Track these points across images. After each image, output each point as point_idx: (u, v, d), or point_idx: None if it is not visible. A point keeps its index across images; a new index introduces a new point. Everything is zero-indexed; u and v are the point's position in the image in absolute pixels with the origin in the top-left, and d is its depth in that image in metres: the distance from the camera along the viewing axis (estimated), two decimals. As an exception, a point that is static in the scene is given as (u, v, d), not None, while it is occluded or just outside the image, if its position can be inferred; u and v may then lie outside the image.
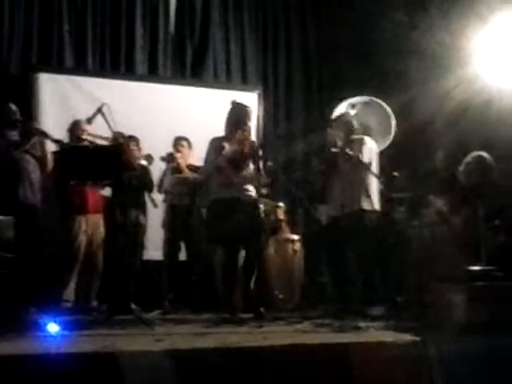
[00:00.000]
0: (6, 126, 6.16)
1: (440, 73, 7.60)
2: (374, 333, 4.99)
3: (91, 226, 6.73)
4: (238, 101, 6.23)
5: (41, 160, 6.21)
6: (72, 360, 3.85)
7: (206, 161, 6.17)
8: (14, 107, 6.28)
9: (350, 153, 6.21)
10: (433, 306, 5.30)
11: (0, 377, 3.82)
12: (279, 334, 4.96)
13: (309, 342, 4.50)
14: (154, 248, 7.29)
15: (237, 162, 6.01)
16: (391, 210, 7.53)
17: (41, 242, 6.11)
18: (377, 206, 6.49)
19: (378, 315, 6.04)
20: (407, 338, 4.53)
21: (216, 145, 6.09)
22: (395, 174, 6.58)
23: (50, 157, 6.16)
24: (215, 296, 7.04)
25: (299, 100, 9.15)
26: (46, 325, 4.93)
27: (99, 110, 5.94)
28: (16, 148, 6.11)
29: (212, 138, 6.21)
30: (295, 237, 7.25)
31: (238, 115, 6.17)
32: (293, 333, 5.07)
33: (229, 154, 5.99)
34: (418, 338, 4.46)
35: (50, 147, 6.30)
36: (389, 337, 4.63)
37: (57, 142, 6.03)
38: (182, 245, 7.33)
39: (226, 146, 6.02)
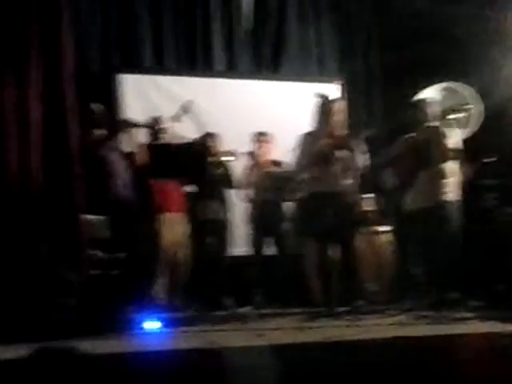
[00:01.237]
0: (92, 127, 6.23)
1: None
2: (478, 324, 4.85)
3: (175, 224, 6.71)
4: (322, 93, 6.12)
5: (130, 156, 6.27)
6: (175, 357, 3.84)
7: (298, 157, 6.09)
8: (96, 108, 6.32)
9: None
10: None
11: (104, 375, 3.83)
12: (379, 327, 4.86)
13: (410, 334, 4.39)
14: (241, 244, 7.26)
15: (329, 156, 5.91)
16: (479, 197, 7.36)
17: (136, 240, 6.14)
18: (459, 196, 6.37)
19: (476, 305, 5.89)
20: (512, 328, 4.39)
21: (307, 140, 6.01)
22: (485, 160, 6.40)
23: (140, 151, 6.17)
24: (305, 290, 7.00)
25: (379, 87, 8.98)
26: (143, 323, 4.95)
27: (184, 108, 5.94)
28: (103, 145, 6.17)
29: (303, 133, 6.13)
30: (384, 228, 7.11)
31: (324, 108, 6.06)
32: (392, 325, 4.97)
33: (319, 150, 5.90)
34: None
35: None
36: (494, 327, 4.49)
37: (149, 126, 6.07)
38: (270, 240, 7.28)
39: (316, 142, 5.94)
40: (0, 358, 3.73)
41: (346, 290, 6.08)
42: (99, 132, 6.24)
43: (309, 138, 6.04)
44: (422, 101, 6.41)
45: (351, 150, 6.00)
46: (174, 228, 6.71)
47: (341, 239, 5.96)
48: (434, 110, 6.30)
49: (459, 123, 6.43)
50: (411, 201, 6.24)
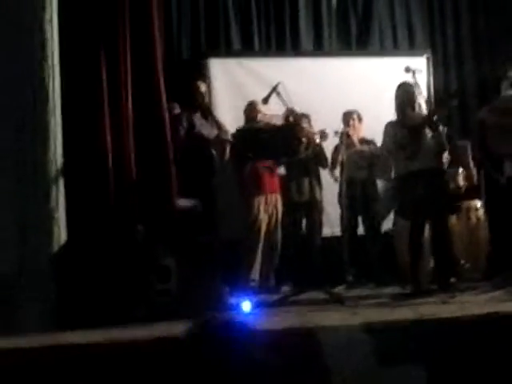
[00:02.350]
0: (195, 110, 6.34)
1: None
2: None
3: (270, 206, 6.78)
4: (412, 68, 6.05)
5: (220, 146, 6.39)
6: (272, 336, 3.91)
7: (384, 142, 6.12)
8: (203, 88, 6.47)
9: None
10: None
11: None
12: (474, 304, 4.83)
13: (506, 310, 4.35)
14: (332, 224, 7.28)
15: (416, 134, 5.87)
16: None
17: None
18: None
19: None
20: None
21: (390, 131, 6.02)
22: None
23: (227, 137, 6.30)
24: (397, 269, 6.98)
25: (469, 60, 8.79)
26: (240, 304, 5.06)
27: (274, 89, 6.00)
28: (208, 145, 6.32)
29: (386, 123, 6.11)
30: (478, 204, 7.00)
31: (404, 96, 6.03)
32: (488, 302, 4.92)
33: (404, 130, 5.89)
34: None
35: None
36: None
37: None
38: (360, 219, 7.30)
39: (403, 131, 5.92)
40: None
41: (439, 267, 6.04)
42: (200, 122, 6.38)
43: (390, 129, 6.03)
44: None
45: (436, 126, 5.92)
46: (270, 210, 6.77)
47: (436, 217, 5.91)
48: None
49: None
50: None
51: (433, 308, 4.65)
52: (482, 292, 5.58)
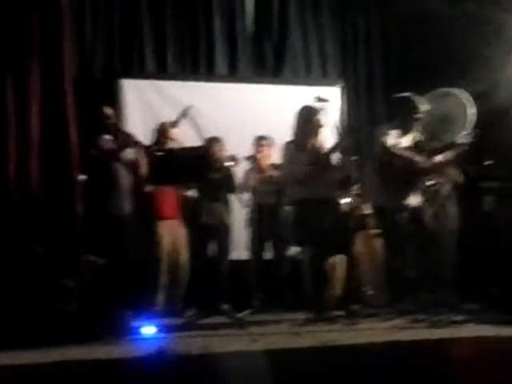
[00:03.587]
0: (101, 133, 6.26)
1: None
2: (474, 327, 4.88)
3: (173, 230, 6.75)
4: (322, 97, 6.14)
5: (133, 166, 6.31)
6: (170, 362, 3.88)
7: (284, 166, 6.18)
8: (109, 111, 6.38)
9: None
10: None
11: (101, 380, 3.88)
12: (374, 332, 4.89)
13: (406, 338, 4.41)
14: (240, 248, 7.29)
15: (318, 164, 5.94)
16: (478, 200, 7.38)
17: (128, 249, 6.15)
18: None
19: (471, 309, 5.92)
20: (510, 331, 4.41)
21: (290, 149, 6.07)
22: (488, 162, 6.42)
23: (143, 162, 6.23)
24: (304, 295, 7.02)
25: (381, 90, 9.01)
26: (142, 328, 4.99)
27: (184, 113, 5.96)
28: (110, 158, 6.21)
29: (285, 142, 6.20)
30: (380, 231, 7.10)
31: (305, 118, 6.13)
32: (388, 329, 4.99)
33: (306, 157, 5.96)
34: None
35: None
36: (491, 331, 4.51)
37: (148, 147, 6.14)
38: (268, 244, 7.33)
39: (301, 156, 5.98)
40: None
41: (343, 294, 6.11)
42: (106, 138, 6.30)
43: (290, 148, 6.11)
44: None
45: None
46: (175, 233, 6.73)
47: (338, 245, 5.98)
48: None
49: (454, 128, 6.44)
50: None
51: (334, 335, 4.68)
52: (383, 319, 5.64)
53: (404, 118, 6.27)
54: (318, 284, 6.00)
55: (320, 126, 6.14)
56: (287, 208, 7.15)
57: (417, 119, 6.23)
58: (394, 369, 4.06)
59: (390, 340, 4.34)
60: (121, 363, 4.01)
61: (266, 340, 4.49)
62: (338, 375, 4.03)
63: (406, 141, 6.32)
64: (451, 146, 6.19)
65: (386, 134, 6.19)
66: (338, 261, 6.17)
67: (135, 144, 6.38)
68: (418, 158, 6.16)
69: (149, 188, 6.51)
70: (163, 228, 6.66)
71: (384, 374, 4.06)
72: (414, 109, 6.23)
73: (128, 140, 6.40)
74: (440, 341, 4.28)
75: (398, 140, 6.24)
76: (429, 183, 6.53)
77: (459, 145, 6.11)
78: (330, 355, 4.12)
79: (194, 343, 4.42)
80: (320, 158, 5.97)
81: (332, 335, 4.67)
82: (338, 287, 6.26)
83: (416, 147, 6.29)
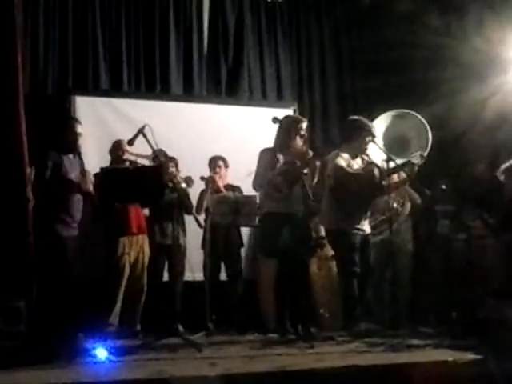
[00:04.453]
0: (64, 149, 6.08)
1: (476, 81, 7.48)
2: (431, 351, 4.86)
3: (135, 248, 6.62)
4: (280, 118, 6.13)
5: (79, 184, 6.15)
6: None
7: (258, 173, 6.09)
8: (79, 129, 6.13)
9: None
10: (490, 322, 5.17)
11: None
12: (332, 355, 4.82)
13: (364, 363, 4.37)
14: (194, 269, 7.21)
15: (291, 176, 5.91)
16: (433, 223, 7.44)
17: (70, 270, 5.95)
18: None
19: (428, 333, 5.93)
20: (467, 356, 4.41)
21: (267, 156, 6.01)
22: (443, 186, 6.47)
23: (90, 178, 6.09)
24: (258, 316, 6.97)
25: (335, 114, 9.06)
26: (94, 350, 4.86)
27: (140, 131, 5.87)
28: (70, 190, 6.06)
29: (262, 149, 6.15)
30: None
31: (287, 127, 6.09)
32: (346, 353, 4.93)
33: (284, 167, 5.91)
34: (479, 357, 4.33)
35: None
36: (448, 355, 4.50)
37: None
38: (222, 265, 7.27)
39: (280, 157, 5.94)
40: None
41: (299, 315, 6.06)
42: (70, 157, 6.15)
43: (268, 154, 6.04)
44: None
45: (314, 170, 5.99)
46: (136, 251, 6.61)
47: (298, 262, 5.95)
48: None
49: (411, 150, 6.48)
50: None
51: (292, 358, 4.61)
52: (340, 342, 5.60)
53: (355, 141, 6.29)
54: (280, 304, 5.91)
55: (302, 135, 6.11)
56: (244, 228, 7.19)
57: (368, 141, 6.24)
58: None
59: (349, 364, 4.28)
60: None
61: (223, 364, 4.39)
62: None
63: (358, 163, 6.35)
64: (405, 166, 6.20)
65: (338, 157, 6.21)
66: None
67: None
68: (377, 173, 6.18)
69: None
70: (126, 244, 6.53)
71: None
72: (365, 131, 6.24)
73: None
74: (399, 365, 4.24)
75: (350, 162, 6.26)
76: (395, 204, 6.56)
77: (412, 164, 6.12)
78: (288, 380, 4.05)
79: (150, 367, 4.31)
80: (298, 166, 5.91)
81: (290, 359, 4.60)
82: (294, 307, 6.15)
83: (369, 169, 6.31)
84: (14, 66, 5.47)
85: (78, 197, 6.00)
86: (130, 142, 5.96)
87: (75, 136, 6.07)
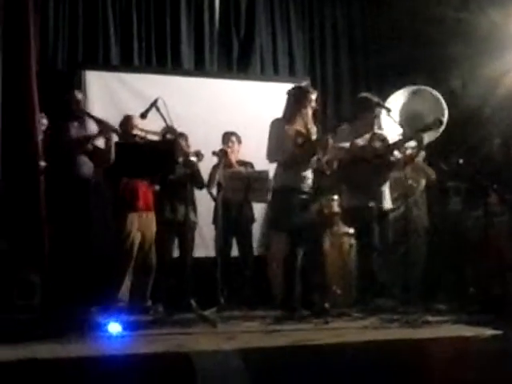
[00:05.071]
0: (69, 119, 6.09)
1: (492, 57, 7.39)
2: (450, 327, 4.82)
3: (144, 224, 6.56)
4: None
5: (100, 153, 6.13)
6: (146, 361, 3.75)
7: (271, 144, 6.00)
8: (79, 96, 6.23)
9: None
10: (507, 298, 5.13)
11: (68, 380, 3.73)
12: (349, 331, 4.79)
13: (383, 338, 4.33)
14: (205, 245, 7.18)
15: (309, 152, 5.85)
16: (446, 201, 7.39)
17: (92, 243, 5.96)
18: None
19: (442, 309, 5.89)
20: (487, 331, 4.36)
21: (279, 126, 5.95)
22: (460, 160, 6.40)
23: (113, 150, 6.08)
24: (269, 292, 6.95)
25: (347, 88, 9.00)
26: (107, 325, 4.83)
27: (154, 104, 5.81)
28: (75, 149, 6.05)
29: (273, 119, 6.07)
30: (351, 230, 7.05)
31: (298, 96, 6.04)
32: (362, 329, 4.90)
33: (303, 145, 5.85)
34: (499, 332, 4.29)
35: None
36: (467, 331, 4.46)
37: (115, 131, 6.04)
38: (234, 241, 7.23)
39: (299, 139, 5.87)
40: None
41: (312, 292, 6.02)
42: (73, 124, 6.14)
43: (280, 125, 5.99)
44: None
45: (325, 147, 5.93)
46: (144, 227, 6.55)
47: (312, 239, 5.91)
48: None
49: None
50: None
51: (307, 334, 4.58)
52: (354, 319, 5.56)
53: (362, 118, 6.25)
54: (290, 281, 5.87)
55: (312, 107, 6.06)
56: (256, 204, 7.14)
57: (375, 117, 6.24)
58: (372, 368, 3.98)
59: (367, 340, 4.25)
60: (89, 362, 3.85)
61: (240, 338, 4.36)
62: (314, 374, 3.93)
63: (366, 139, 6.30)
64: (414, 136, 6.14)
65: (346, 133, 6.17)
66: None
67: (113, 130, 6.22)
68: (379, 145, 6.14)
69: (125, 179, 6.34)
70: (134, 220, 6.46)
71: (361, 373, 3.97)
72: (371, 108, 6.20)
73: (105, 126, 6.23)
74: (419, 341, 4.20)
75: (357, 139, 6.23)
76: (409, 181, 6.51)
77: (424, 130, 6.07)
78: (305, 354, 4.02)
79: (167, 341, 4.27)
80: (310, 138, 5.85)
81: (306, 334, 4.57)
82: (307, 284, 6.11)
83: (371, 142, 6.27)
84: (26, 42, 5.43)
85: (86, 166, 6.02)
86: (143, 116, 5.91)
87: (77, 103, 6.32)
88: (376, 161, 6.16)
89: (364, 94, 6.43)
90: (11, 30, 5.33)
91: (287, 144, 5.89)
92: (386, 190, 6.32)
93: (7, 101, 5.28)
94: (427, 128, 6.07)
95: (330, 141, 5.94)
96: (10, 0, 5.38)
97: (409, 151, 6.28)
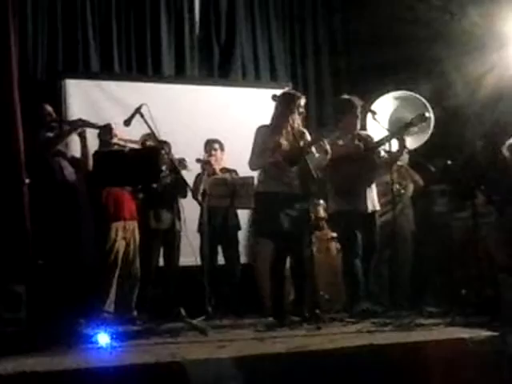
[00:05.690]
0: (41, 128, 6.03)
1: (474, 57, 7.39)
2: (444, 330, 4.77)
3: (128, 233, 6.47)
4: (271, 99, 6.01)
5: (78, 161, 6.05)
6: (139, 372, 3.66)
7: (254, 152, 5.93)
8: (49, 108, 6.17)
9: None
10: (503, 299, 5.10)
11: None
12: (343, 336, 4.71)
13: (378, 342, 4.27)
14: (190, 253, 7.09)
15: (293, 157, 5.79)
16: (431, 203, 7.37)
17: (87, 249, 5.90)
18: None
19: (433, 312, 5.85)
20: (484, 333, 4.32)
21: (263, 133, 5.89)
22: (449, 162, 6.37)
23: (90, 156, 5.99)
24: (257, 300, 6.88)
25: (329, 92, 8.97)
26: (96, 336, 4.73)
27: (138, 111, 5.73)
28: (48, 148, 5.96)
29: (259, 126, 6.01)
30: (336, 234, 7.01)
31: (286, 102, 5.96)
32: (356, 333, 4.83)
33: (287, 149, 5.78)
34: (495, 334, 4.25)
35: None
36: (464, 333, 4.42)
37: (103, 127, 6.16)
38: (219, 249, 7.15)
39: (283, 142, 5.80)
40: None
41: (300, 298, 5.95)
42: (48, 134, 6.06)
43: (265, 131, 5.93)
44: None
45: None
46: (128, 237, 6.46)
47: (298, 245, 5.84)
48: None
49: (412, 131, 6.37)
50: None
51: (301, 340, 4.51)
52: (346, 323, 5.50)
53: (344, 120, 6.22)
54: (278, 288, 5.81)
55: (301, 113, 6.01)
56: (241, 211, 7.07)
57: (356, 119, 6.21)
58: (369, 373, 3.93)
59: (362, 344, 4.18)
60: (80, 374, 3.75)
61: (232, 346, 4.28)
62: (311, 381, 3.87)
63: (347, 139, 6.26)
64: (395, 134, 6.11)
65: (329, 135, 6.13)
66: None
67: (88, 125, 6.17)
68: (360, 144, 6.12)
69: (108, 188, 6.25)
70: (119, 229, 6.37)
71: (358, 377, 3.92)
72: (352, 110, 6.17)
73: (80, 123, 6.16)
74: (415, 344, 4.15)
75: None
76: (396, 186, 6.48)
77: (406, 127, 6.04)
78: (301, 361, 3.95)
79: (158, 351, 4.19)
80: (298, 143, 5.79)
81: (301, 340, 4.50)
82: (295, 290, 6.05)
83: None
84: (6, 50, 5.33)
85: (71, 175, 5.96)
86: (127, 123, 5.84)
87: (49, 115, 6.25)
88: (360, 161, 6.11)
89: (346, 96, 6.38)
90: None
91: (270, 152, 5.82)
92: (373, 192, 6.27)
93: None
94: (410, 124, 6.03)
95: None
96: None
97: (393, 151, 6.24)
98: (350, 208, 6.13)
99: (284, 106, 5.94)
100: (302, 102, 6.04)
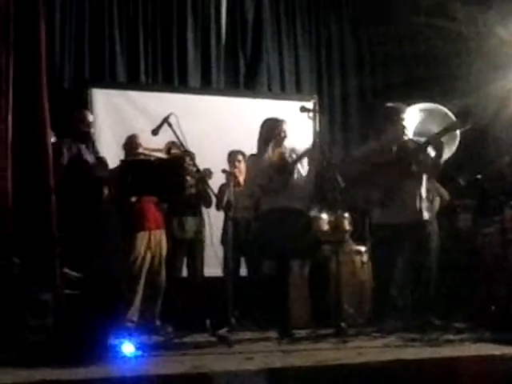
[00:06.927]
0: (78, 138, 6.03)
1: (500, 74, 7.34)
2: (475, 346, 4.71)
3: (154, 243, 6.45)
4: (307, 107, 5.99)
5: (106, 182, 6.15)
6: (166, 382, 3.63)
7: (248, 181, 6.14)
8: (91, 117, 6.22)
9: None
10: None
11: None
12: (370, 350, 4.67)
13: (407, 357, 4.22)
14: (212, 264, 7.07)
15: (282, 168, 5.83)
16: (456, 218, 7.30)
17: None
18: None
19: (460, 328, 5.78)
20: None
21: (253, 161, 6.03)
22: (478, 176, 6.30)
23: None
24: (280, 312, 6.83)
25: (354, 104, 8.97)
26: (121, 346, 4.71)
27: (166, 120, 5.74)
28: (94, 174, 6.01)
29: (249, 155, 6.18)
30: (362, 248, 6.97)
31: (268, 129, 6.06)
32: (383, 348, 4.78)
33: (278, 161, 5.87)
34: (526, 350, 4.20)
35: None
36: (493, 349, 4.36)
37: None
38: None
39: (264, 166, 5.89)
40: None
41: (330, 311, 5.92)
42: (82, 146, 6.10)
43: (254, 160, 6.06)
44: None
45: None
46: (154, 247, 6.44)
47: (306, 257, 5.84)
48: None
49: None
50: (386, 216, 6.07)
51: (329, 353, 4.47)
52: (372, 338, 5.45)
53: (388, 129, 6.14)
54: (282, 300, 5.85)
55: (284, 137, 6.02)
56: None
57: (404, 127, 6.08)
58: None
59: (390, 359, 4.13)
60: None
61: (260, 358, 4.24)
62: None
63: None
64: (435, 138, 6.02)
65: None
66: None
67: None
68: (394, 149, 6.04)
69: (133, 198, 6.24)
70: (144, 239, 6.36)
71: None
72: (396, 119, 6.08)
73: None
74: (445, 359, 4.10)
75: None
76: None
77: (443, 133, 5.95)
78: (329, 374, 3.91)
79: (184, 362, 4.16)
80: (284, 167, 5.80)
81: (327, 354, 4.46)
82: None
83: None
84: (38, 58, 5.36)
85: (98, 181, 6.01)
86: (155, 132, 5.85)
87: (88, 126, 6.33)
88: (400, 169, 6.00)
89: (391, 104, 6.27)
90: (22, 44, 5.25)
91: (263, 178, 5.91)
92: (421, 200, 6.09)
93: (19, 117, 5.19)
94: (445, 131, 5.93)
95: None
96: (20, 12, 5.28)
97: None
98: (393, 219, 6.03)
99: (265, 132, 6.10)
100: (285, 126, 6.08)
